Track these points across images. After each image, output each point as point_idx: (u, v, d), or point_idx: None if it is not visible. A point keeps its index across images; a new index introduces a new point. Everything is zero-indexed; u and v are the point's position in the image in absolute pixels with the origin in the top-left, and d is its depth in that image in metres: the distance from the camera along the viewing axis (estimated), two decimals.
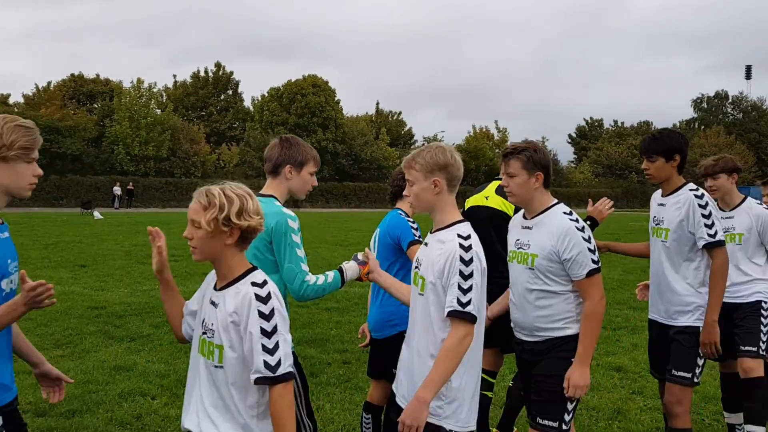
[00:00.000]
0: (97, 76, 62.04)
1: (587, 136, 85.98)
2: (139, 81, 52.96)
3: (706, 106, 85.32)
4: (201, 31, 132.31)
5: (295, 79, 61.33)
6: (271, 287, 2.36)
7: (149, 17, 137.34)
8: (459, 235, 2.78)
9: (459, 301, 2.67)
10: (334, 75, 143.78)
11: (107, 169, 50.23)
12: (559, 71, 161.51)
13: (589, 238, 3.18)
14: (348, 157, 61.49)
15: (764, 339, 4.38)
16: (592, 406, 5.36)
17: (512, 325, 3.47)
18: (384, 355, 3.84)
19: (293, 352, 3.15)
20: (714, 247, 3.69)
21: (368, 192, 61.26)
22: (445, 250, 2.74)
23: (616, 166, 69.81)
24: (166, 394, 5.57)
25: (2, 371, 2.45)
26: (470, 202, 4.51)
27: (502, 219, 3.98)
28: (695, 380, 3.78)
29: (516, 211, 3.84)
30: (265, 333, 2.25)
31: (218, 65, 67.19)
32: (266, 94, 62.35)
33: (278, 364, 2.25)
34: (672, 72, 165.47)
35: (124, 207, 45.21)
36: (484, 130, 74.36)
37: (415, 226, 3.88)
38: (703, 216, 3.69)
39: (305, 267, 3.18)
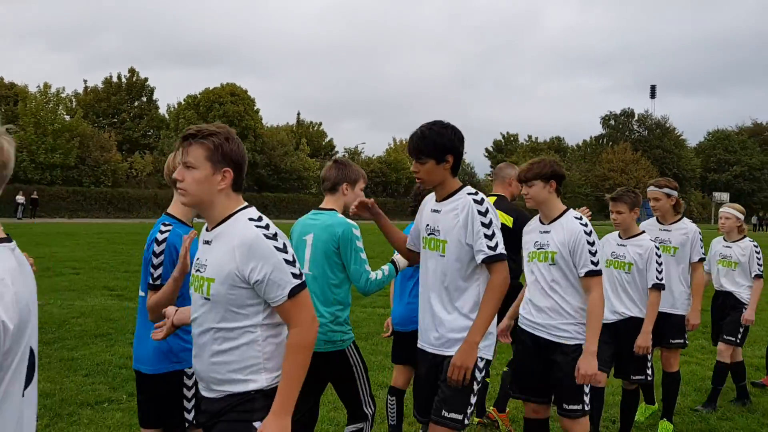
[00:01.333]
0: (1, 79, 58.84)
1: (503, 150, 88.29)
2: (46, 86, 50.54)
3: (614, 123, 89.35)
4: (117, 36, 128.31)
5: (213, 87, 60.17)
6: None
7: (62, 21, 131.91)
8: (469, 193, 3.20)
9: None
10: (256, 85, 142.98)
11: (10, 177, 47.53)
12: (476, 87, 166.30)
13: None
14: (267, 168, 60.70)
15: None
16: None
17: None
18: (408, 346, 4.07)
19: (354, 341, 3.82)
20: (493, 261, 3.14)
21: (288, 203, 60.58)
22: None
23: None
24: (48, 414, 5.25)
25: None
26: None
27: (505, 230, 4.03)
28: (465, 422, 3.24)
29: (516, 221, 4.64)
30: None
31: (132, 71, 64.98)
32: (183, 102, 60.85)
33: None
34: (581, 91, 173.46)
35: (27, 217, 42.84)
36: (404, 142, 75.20)
37: None
38: (483, 225, 3.15)
39: (368, 267, 3.71)
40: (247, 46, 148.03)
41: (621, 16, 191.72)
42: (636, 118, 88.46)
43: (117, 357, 7.00)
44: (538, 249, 3.82)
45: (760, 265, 5.99)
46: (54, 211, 46.99)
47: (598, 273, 3.65)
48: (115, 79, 63.75)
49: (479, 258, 3.15)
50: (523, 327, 3.95)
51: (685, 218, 5.46)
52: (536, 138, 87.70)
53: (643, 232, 4.82)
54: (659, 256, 4.65)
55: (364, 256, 3.72)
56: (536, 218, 3.99)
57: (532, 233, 3.95)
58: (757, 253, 5.99)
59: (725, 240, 6.18)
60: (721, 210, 6.24)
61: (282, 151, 61.50)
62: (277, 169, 61.35)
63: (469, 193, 3.24)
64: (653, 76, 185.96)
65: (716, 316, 6.26)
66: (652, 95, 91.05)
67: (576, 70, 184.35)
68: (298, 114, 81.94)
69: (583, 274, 3.66)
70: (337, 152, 78.53)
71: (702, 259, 5.38)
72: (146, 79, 65.47)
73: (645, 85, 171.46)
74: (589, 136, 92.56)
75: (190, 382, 3.14)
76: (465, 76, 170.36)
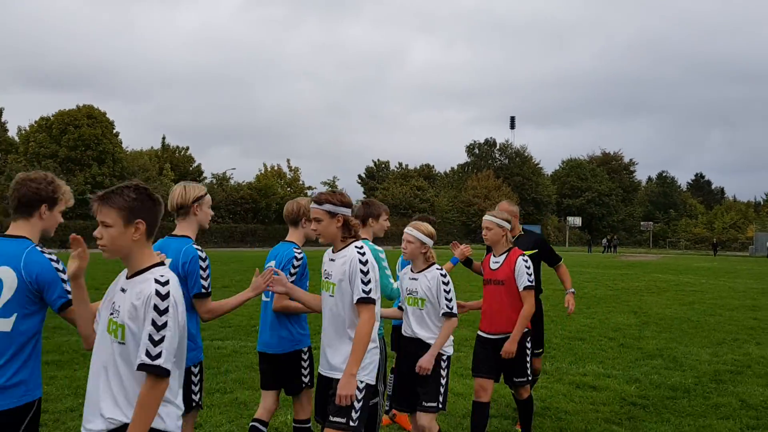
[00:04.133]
0: None
1: (375, 177, 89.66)
2: None
3: (477, 152, 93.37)
4: None
5: (69, 108, 56.61)
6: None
7: None
8: (356, 247, 3.77)
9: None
10: (120, 110, 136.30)
11: None
12: (346, 116, 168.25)
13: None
14: None
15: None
16: None
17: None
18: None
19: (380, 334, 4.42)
20: (363, 303, 3.69)
21: None
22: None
23: (401, 206, 73.35)
24: None
25: None
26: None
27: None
28: None
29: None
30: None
31: None
32: (34, 124, 56.72)
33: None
34: (448, 121, 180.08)
35: None
36: (275, 168, 74.37)
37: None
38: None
39: (391, 280, 4.71)
40: (111, 71, 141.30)
41: (481, 56, 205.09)
42: (498, 147, 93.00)
43: None
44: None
45: (449, 301, 4.56)
46: None
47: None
48: None
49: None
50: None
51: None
52: (407, 165, 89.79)
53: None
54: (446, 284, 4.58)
55: (388, 272, 4.69)
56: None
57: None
58: (445, 285, 4.59)
59: (411, 270, 4.75)
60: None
61: (144, 176, 58.74)
62: None
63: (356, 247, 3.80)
64: (512, 109, 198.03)
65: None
66: (512, 126, 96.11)
67: (442, 102, 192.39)
68: (164, 138, 78.63)
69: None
70: (205, 178, 76.23)
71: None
72: None
73: (505, 117, 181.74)
74: (456, 164, 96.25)
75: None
76: (335, 105, 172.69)
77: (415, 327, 4.61)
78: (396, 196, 76.41)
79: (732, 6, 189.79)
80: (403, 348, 4.77)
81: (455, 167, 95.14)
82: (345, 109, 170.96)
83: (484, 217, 5.38)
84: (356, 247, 3.78)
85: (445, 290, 4.53)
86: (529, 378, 5.32)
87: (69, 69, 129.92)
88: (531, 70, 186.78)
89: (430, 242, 4.62)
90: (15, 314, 3.04)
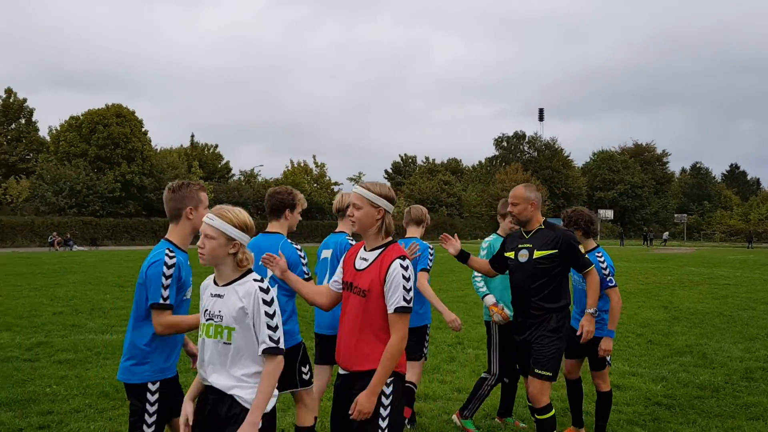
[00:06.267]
0: None
1: (402, 172, 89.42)
2: None
3: (506, 145, 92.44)
4: (2, 61, 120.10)
5: (98, 107, 57.34)
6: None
7: None
8: (399, 258, 3.28)
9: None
10: (149, 109, 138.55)
11: None
12: (371, 113, 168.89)
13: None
14: (157, 191, 58.32)
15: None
16: None
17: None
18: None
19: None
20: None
21: None
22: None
23: (428, 200, 72.97)
24: None
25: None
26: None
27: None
28: None
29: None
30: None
31: (9, 92, 61.12)
32: (64, 123, 57.60)
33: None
34: (474, 116, 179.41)
35: None
36: (302, 164, 74.56)
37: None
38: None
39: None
40: (140, 71, 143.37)
41: (501, 50, 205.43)
42: (527, 140, 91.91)
43: None
44: None
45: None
46: None
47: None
48: None
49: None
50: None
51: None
52: (433, 159, 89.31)
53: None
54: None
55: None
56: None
57: None
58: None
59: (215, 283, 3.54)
60: None
61: (172, 173, 59.34)
62: None
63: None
64: (536, 102, 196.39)
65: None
66: (540, 118, 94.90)
67: (466, 96, 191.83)
68: (192, 136, 79.41)
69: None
70: (233, 175, 76.79)
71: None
72: (24, 100, 61.79)
73: (530, 110, 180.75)
74: (484, 157, 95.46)
75: None
76: (359, 102, 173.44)
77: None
78: (423, 190, 76.07)
79: None
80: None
81: (483, 161, 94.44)
82: (368, 105, 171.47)
83: (352, 188, 3.60)
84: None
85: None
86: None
87: (98, 70, 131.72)
88: (552, 63, 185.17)
89: (244, 237, 3.06)
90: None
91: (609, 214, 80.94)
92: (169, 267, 3.36)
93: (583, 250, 5.20)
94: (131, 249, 46.37)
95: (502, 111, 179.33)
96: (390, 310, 3.19)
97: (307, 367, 4.47)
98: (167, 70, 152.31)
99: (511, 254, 4.88)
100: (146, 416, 3.39)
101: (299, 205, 4.65)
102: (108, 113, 56.48)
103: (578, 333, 4.93)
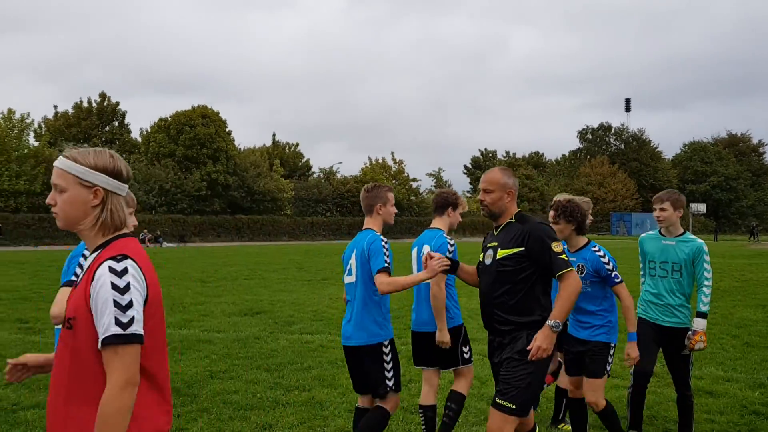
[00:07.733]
0: None
1: (482, 167, 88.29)
2: (10, 111, 49.63)
3: (590, 137, 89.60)
4: (98, 68, 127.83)
5: (184, 109, 59.46)
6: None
7: (45, 54, 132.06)
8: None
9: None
10: (233, 110, 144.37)
11: None
12: (449, 109, 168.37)
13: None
14: (240, 190, 59.90)
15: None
16: None
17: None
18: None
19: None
20: None
21: (262, 224, 59.78)
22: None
23: None
24: None
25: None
26: None
27: None
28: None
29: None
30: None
31: (103, 95, 64.21)
32: (154, 125, 60.07)
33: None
34: (554, 109, 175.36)
35: None
36: (380, 161, 74.87)
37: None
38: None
39: None
40: (223, 74, 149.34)
41: (582, 42, 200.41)
42: (613, 131, 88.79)
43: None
44: None
45: None
46: (19, 239, 45.85)
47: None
48: (85, 104, 62.87)
49: None
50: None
51: None
52: (514, 154, 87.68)
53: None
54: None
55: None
56: None
57: None
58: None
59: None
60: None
61: (255, 172, 60.73)
62: (251, 190, 60.58)
63: None
64: (620, 94, 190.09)
65: None
66: (627, 109, 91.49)
67: (546, 89, 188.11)
68: (274, 135, 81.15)
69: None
70: (313, 173, 77.98)
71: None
72: (117, 104, 64.72)
73: (614, 102, 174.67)
74: (567, 150, 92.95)
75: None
76: (436, 98, 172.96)
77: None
78: None
79: None
80: None
81: (566, 154, 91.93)
82: (446, 101, 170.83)
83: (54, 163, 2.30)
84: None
85: None
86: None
87: (185, 74, 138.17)
88: (635, 53, 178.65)
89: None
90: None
91: (701, 207, 77.04)
92: (384, 242, 4.32)
93: (574, 249, 4.74)
94: (216, 245, 47.81)
95: (584, 103, 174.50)
96: (99, 344, 2.02)
97: (467, 347, 4.93)
98: (250, 72, 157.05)
99: (481, 255, 4.01)
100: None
101: (461, 207, 5.12)
102: (194, 114, 58.48)
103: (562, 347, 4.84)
